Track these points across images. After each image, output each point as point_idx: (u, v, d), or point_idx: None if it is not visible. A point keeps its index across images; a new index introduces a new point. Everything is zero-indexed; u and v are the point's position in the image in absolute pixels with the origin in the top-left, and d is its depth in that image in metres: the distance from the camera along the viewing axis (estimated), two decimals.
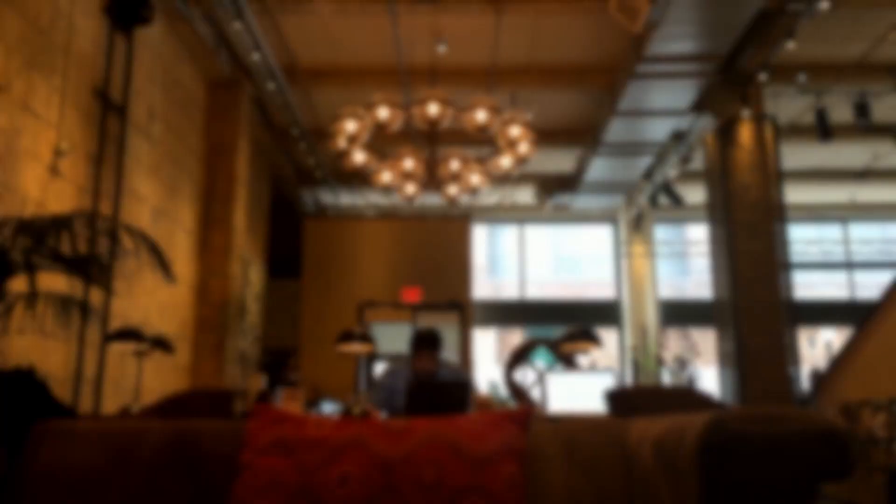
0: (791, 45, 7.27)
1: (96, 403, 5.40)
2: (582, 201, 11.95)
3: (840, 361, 5.97)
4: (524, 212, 13.22)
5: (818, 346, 14.18)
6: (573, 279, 13.99)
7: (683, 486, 1.36)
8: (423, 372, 4.56)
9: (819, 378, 6.43)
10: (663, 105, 8.63)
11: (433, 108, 5.89)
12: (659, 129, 9.39)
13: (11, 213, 4.25)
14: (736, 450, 1.27)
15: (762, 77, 7.96)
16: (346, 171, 6.90)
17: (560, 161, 11.07)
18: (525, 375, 4.98)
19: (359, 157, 6.44)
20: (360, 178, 7.88)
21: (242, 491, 1.49)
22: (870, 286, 13.04)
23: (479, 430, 1.53)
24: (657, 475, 1.47)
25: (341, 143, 6.17)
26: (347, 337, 5.27)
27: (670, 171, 10.27)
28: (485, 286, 12.65)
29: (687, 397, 2.12)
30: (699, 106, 8.56)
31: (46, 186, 4.88)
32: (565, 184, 11.50)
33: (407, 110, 6.05)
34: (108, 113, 5.72)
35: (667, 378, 11.02)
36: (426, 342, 4.58)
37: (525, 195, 12.11)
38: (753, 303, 7.97)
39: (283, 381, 6.47)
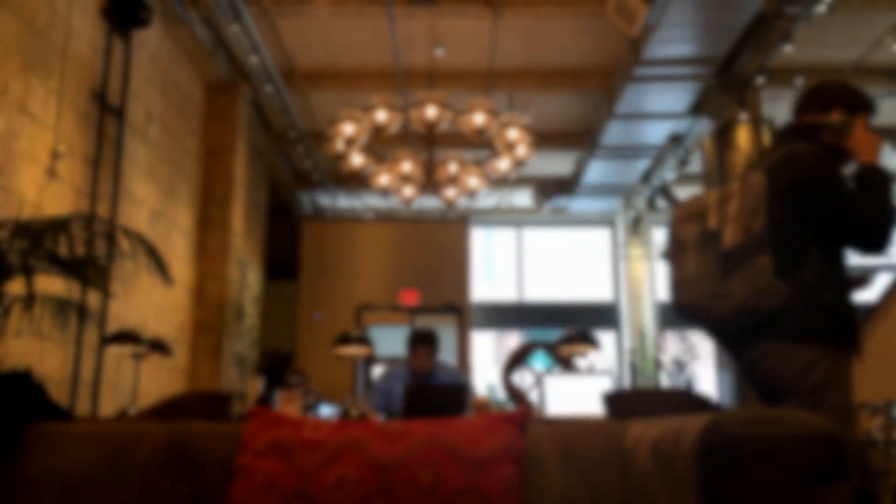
0: (788, 49, 7.28)
1: (93, 406, 5.39)
2: (580, 204, 11.95)
3: None
4: (522, 214, 13.21)
5: None
6: (571, 282, 13.96)
7: (681, 488, 1.36)
8: (419, 369, 4.58)
9: None
10: (661, 108, 8.64)
11: (431, 111, 5.89)
12: (656, 132, 9.40)
13: (9, 215, 4.25)
14: (734, 452, 1.27)
15: (760, 80, 7.97)
16: (343, 173, 6.90)
17: (558, 164, 11.07)
18: (523, 378, 4.98)
19: (356, 159, 6.44)
20: (357, 181, 7.87)
21: (239, 493, 1.48)
22: (867, 289, 13.05)
23: (476, 432, 1.53)
24: (654, 478, 1.47)
25: (339, 145, 6.17)
26: (345, 340, 5.27)
27: (668, 173, 10.28)
28: (482, 289, 12.63)
29: (685, 400, 2.12)
30: (697, 109, 8.56)
31: (43, 189, 4.87)
32: (563, 187, 11.50)
33: (405, 113, 6.05)
34: (106, 115, 5.72)
35: (665, 380, 11.01)
36: (423, 339, 4.62)
37: (523, 198, 12.11)
38: None
39: (284, 385, 6.46)
